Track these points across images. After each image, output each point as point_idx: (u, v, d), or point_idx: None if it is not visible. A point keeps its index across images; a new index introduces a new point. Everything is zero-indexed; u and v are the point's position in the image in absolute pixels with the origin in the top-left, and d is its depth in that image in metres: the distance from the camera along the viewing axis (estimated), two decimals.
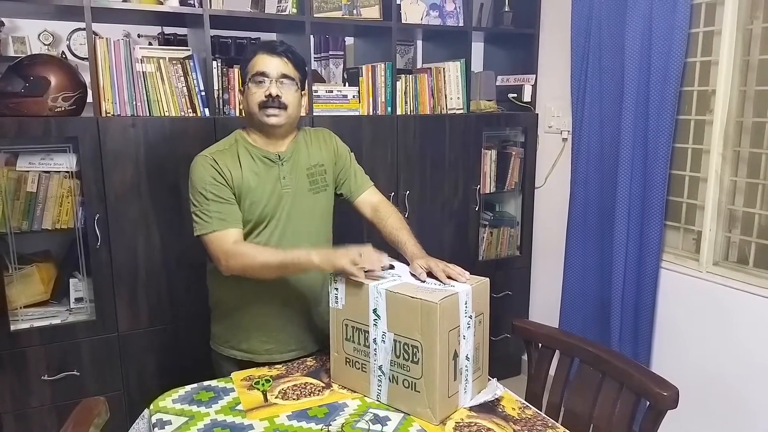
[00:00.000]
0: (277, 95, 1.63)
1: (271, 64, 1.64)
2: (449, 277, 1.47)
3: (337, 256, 1.49)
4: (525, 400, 1.56)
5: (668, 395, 1.35)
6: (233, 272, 1.62)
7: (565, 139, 2.94)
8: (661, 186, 2.33)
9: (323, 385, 1.57)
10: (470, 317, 1.43)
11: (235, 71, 2.37)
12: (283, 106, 1.65)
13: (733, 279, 2.21)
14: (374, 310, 1.44)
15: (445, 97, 2.85)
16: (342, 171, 1.85)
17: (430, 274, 1.51)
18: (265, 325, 1.74)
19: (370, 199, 1.85)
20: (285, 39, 2.79)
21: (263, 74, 1.64)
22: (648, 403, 1.40)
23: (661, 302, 2.45)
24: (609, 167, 2.55)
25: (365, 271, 1.49)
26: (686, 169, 2.40)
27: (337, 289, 1.52)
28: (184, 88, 2.30)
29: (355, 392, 1.52)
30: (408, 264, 1.60)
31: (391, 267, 1.57)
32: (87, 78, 2.20)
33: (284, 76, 1.65)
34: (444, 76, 2.83)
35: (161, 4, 2.27)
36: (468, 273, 1.49)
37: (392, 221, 1.77)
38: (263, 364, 1.72)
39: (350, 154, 1.89)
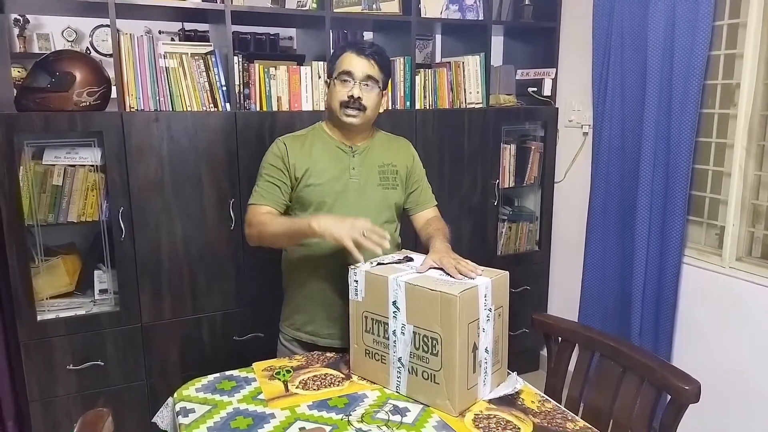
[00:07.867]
0: (359, 97, 1.68)
1: (357, 65, 1.69)
2: (461, 274, 1.46)
3: (338, 227, 1.48)
4: (544, 394, 1.56)
5: (690, 389, 1.34)
6: (252, 240, 1.72)
7: (585, 134, 2.92)
8: (683, 180, 2.31)
9: (343, 376, 1.59)
10: (490, 310, 1.43)
11: (256, 66, 2.39)
12: (362, 108, 1.70)
13: (756, 275, 2.18)
14: (394, 303, 1.45)
15: (465, 92, 2.85)
16: (413, 182, 1.89)
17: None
18: (329, 309, 1.76)
19: (428, 215, 1.89)
20: (304, 34, 2.81)
21: (349, 74, 1.69)
22: (669, 397, 1.39)
23: (682, 298, 2.43)
24: (630, 161, 2.52)
25: (381, 264, 1.51)
26: (709, 163, 2.37)
27: (356, 281, 1.53)
28: (206, 83, 2.33)
29: (374, 383, 1.54)
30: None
31: (410, 259, 1.58)
32: (111, 73, 2.24)
33: (369, 78, 1.70)
34: (463, 71, 2.83)
35: (184, 0, 2.29)
36: (480, 269, 1.48)
37: (433, 227, 1.80)
38: (325, 348, 1.76)
39: (423, 170, 1.94)
